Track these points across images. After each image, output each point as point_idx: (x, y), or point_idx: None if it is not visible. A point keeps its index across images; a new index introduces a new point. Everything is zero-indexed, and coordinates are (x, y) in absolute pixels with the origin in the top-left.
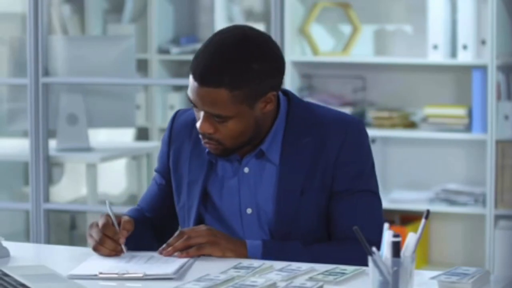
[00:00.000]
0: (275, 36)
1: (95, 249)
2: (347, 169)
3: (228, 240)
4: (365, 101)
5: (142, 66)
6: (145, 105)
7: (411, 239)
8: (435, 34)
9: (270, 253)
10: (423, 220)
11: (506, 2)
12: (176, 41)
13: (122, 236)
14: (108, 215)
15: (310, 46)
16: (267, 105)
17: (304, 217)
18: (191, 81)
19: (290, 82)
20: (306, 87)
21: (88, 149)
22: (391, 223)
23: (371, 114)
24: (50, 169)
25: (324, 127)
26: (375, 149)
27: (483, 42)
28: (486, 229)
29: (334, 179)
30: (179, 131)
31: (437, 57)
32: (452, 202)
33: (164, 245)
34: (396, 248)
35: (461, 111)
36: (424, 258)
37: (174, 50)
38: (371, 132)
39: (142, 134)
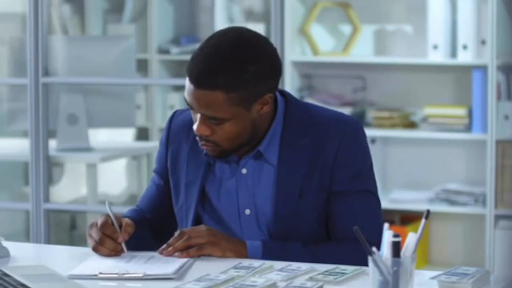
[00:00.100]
0: (275, 36)
1: (95, 249)
2: (345, 170)
3: (228, 240)
4: (365, 101)
5: (142, 66)
6: (145, 105)
7: (411, 239)
8: (435, 34)
9: (270, 253)
10: (423, 220)
11: (506, 2)
12: (176, 41)
13: (122, 236)
14: (107, 215)
15: (310, 46)
16: (263, 107)
17: (303, 217)
18: (187, 84)
19: (290, 82)
20: (306, 87)
21: (88, 149)
22: (391, 223)
23: (371, 114)
24: (50, 169)
25: (322, 128)
26: (375, 149)
27: (483, 42)
28: (486, 229)
29: (333, 179)
30: (177, 132)
31: (437, 57)
32: (452, 202)
33: (164, 245)
34: (396, 248)
35: (461, 111)
36: (424, 258)
37: (174, 50)
38: (371, 132)
39: (142, 134)
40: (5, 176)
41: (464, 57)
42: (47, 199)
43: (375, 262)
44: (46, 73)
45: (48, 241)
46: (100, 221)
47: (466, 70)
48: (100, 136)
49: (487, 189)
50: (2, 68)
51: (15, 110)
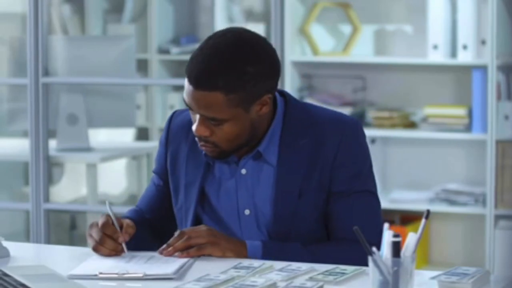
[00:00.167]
0: (275, 36)
1: (95, 249)
2: (345, 170)
3: (228, 241)
4: (365, 101)
5: (142, 66)
6: (145, 105)
7: (411, 239)
8: (435, 34)
9: (270, 253)
10: (423, 220)
11: (506, 2)
12: (176, 41)
13: (123, 236)
14: (108, 215)
15: (310, 46)
16: (262, 108)
17: (302, 218)
18: (186, 84)
19: (290, 82)
20: (306, 87)
21: (88, 149)
22: (391, 223)
23: (371, 114)
24: (50, 169)
25: (321, 128)
26: (375, 149)
27: (483, 42)
28: (486, 229)
29: (332, 179)
30: (176, 132)
31: (437, 57)
32: (452, 202)
33: (164, 245)
34: (396, 248)
35: (461, 111)
36: (424, 258)
37: (174, 50)
38: (371, 132)
39: (142, 134)
40: (5, 176)
41: (464, 57)
42: (47, 199)
43: (375, 262)
44: (46, 73)
45: (48, 241)
46: (100, 221)
47: (466, 70)
48: (100, 136)
49: (487, 189)
50: (2, 68)
51: (15, 110)
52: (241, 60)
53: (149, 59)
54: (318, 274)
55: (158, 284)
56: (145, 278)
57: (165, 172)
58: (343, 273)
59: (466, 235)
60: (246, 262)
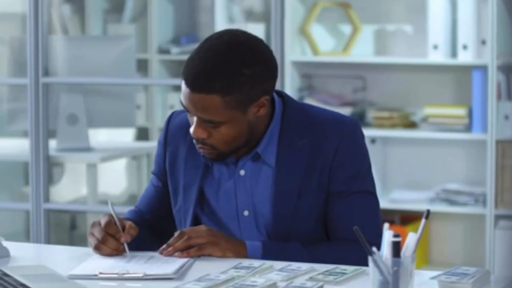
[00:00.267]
0: (275, 36)
1: (97, 248)
2: (344, 170)
3: (228, 241)
4: (365, 101)
5: (142, 66)
6: (145, 105)
7: (411, 239)
8: (435, 34)
9: (269, 253)
10: (423, 220)
11: (506, 2)
12: (176, 41)
13: (125, 236)
14: (110, 215)
15: (310, 46)
16: (260, 109)
17: (302, 218)
18: (183, 87)
19: (290, 82)
20: (306, 87)
21: (88, 149)
22: (391, 223)
23: (371, 114)
24: (50, 169)
25: (320, 128)
26: (375, 149)
27: (483, 42)
28: (486, 229)
29: (331, 180)
30: (175, 133)
31: (437, 57)
32: (452, 202)
33: (164, 245)
34: (396, 248)
35: (461, 111)
36: (424, 258)
37: (174, 50)
38: (371, 132)
39: (142, 134)
40: (5, 176)
41: (464, 57)
42: (47, 199)
43: (375, 262)
44: (46, 73)
45: (48, 241)
46: (103, 220)
47: (466, 70)
48: (100, 136)
49: (487, 189)
50: (2, 68)
51: (15, 110)
52: (238, 62)
53: (149, 59)
54: (318, 274)
55: (158, 284)
56: (145, 278)
57: (164, 173)
58: (343, 273)
59: (466, 235)
60: (246, 262)
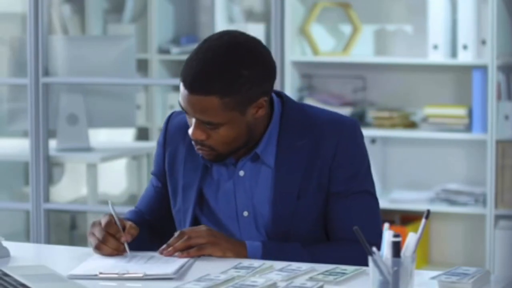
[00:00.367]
0: (275, 36)
1: (97, 247)
2: (343, 170)
3: (228, 241)
4: (365, 101)
5: (142, 66)
6: (145, 105)
7: (411, 239)
8: (435, 34)
9: (269, 253)
10: (423, 220)
11: (506, 2)
12: (176, 41)
13: (125, 236)
14: (111, 215)
15: (310, 46)
16: (258, 110)
17: (301, 218)
18: (181, 89)
19: (290, 82)
20: (306, 87)
21: (88, 149)
22: (391, 223)
23: (371, 114)
24: (50, 169)
25: (319, 129)
26: (375, 149)
27: (483, 42)
28: (486, 229)
29: (330, 180)
30: (174, 133)
31: (437, 57)
32: (452, 202)
33: (164, 245)
34: (397, 248)
35: (461, 111)
36: (425, 258)
37: (174, 50)
38: (371, 132)
39: (142, 134)
40: (5, 176)
41: (464, 57)
42: (47, 199)
43: (375, 262)
44: (46, 73)
45: (48, 241)
46: (104, 220)
47: (466, 70)
48: (100, 136)
49: (487, 189)
50: (2, 68)
51: (15, 110)
52: (236, 63)
53: (149, 59)
54: (318, 274)
55: (158, 284)
56: (145, 278)
57: (163, 174)
58: (343, 273)
59: (466, 235)
60: (246, 262)
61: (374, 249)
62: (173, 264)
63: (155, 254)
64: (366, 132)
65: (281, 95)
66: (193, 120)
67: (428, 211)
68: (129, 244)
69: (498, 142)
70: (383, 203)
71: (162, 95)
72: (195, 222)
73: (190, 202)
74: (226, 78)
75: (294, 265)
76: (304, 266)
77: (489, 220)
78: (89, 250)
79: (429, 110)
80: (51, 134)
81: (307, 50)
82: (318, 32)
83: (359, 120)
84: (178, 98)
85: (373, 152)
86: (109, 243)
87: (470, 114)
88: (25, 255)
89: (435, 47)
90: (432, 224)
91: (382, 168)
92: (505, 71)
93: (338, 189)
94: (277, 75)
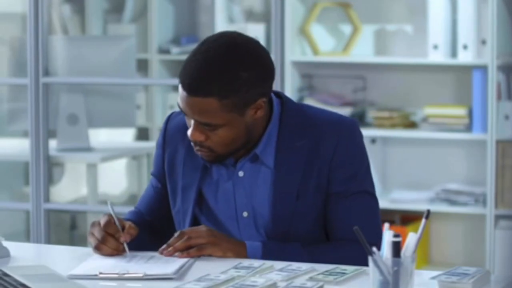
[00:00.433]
0: (275, 36)
1: (97, 248)
2: (343, 171)
3: (228, 241)
4: (365, 101)
5: (142, 66)
6: (145, 105)
7: (411, 239)
8: (435, 34)
9: (269, 253)
10: (423, 220)
11: (506, 2)
12: (176, 41)
13: (124, 236)
14: (110, 215)
15: (310, 46)
16: (257, 112)
17: (301, 219)
18: (180, 90)
19: (290, 82)
20: (306, 87)
21: (88, 149)
22: (391, 223)
23: (371, 114)
24: (51, 169)
25: (318, 129)
26: (375, 149)
27: (484, 42)
28: (487, 229)
29: (330, 180)
30: (173, 134)
31: (437, 57)
32: (452, 202)
33: (164, 245)
34: (397, 248)
35: (461, 111)
36: (425, 258)
37: (175, 50)
38: (371, 132)
39: (142, 134)
40: (5, 176)
41: (464, 57)
42: (47, 199)
43: (375, 262)
44: (46, 73)
45: (48, 241)
46: (103, 220)
47: (466, 70)
48: (100, 136)
49: (487, 189)
50: (2, 68)
51: (15, 110)
52: (235, 65)
53: (149, 59)
54: (318, 274)
55: (158, 284)
56: (145, 278)
57: (163, 175)
58: (343, 273)
59: (466, 235)
60: (246, 262)
61: (374, 249)
62: (173, 264)
63: (155, 254)
64: (366, 132)
65: (280, 96)
66: (192, 122)
67: (428, 211)
68: (129, 245)
69: (498, 142)
70: (383, 203)
71: (162, 95)
72: (195, 222)
73: (189, 202)
74: (224, 79)
75: (294, 265)
76: (304, 266)
77: (489, 220)
78: (89, 250)
79: (429, 110)
80: (51, 134)
81: (307, 50)
82: (318, 32)
83: (359, 120)
84: (177, 100)
85: (373, 152)
86: (108, 243)
87: (470, 114)
88: (25, 255)
89: (435, 47)
90: (432, 224)
91: (382, 168)
92: (505, 71)
93: (337, 189)
94: (277, 75)
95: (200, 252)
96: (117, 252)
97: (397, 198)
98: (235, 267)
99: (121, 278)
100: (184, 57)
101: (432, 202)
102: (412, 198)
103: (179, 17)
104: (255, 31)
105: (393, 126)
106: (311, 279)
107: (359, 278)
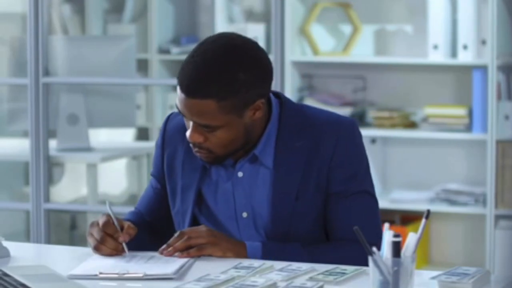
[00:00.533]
0: (275, 36)
1: (96, 248)
2: (342, 171)
3: (228, 241)
4: (365, 101)
5: (142, 66)
6: (145, 105)
7: (411, 239)
8: (436, 34)
9: (269, 253)
10: (423, 220)
11: (506, 2)
12: (176, 41)
13: (123, 236)
14: (108, 215)
15: (310, 46)
16: (256, 113)
17: (300, 219)
18: (178, 92)
19: (290, 82)
20: (307, 87)
21: (88, 149)
22: (391, 223)
23: (371, 114)
24: (51, 169)
25: (317, 129)
26: (375, 149)
27: (483, 42)
28: (487, 229)
29: (329, 180)
30: (172, 134)
31: (437, 57)
32: (452, 202)
33: (164, 245)
34: (397, 248)
35: (461, 111)
36: (425, 258)
37: (175, 50)
38: (371, 132)
39: (142, 134)
40: (5, 176)
41: (464, 57)
42: (47, 199)
43: (375, 262)
44: (46, 73)
45: (48, 241)
46: (101, 220)
47: (466, 70)
48: (100, 136)
49: (487, 189)
50: (2, 68)
51: (15, 110)
52: (233, 67)
53: (149, 59)
54: (318, 274)
55: (158, 284)
56: (145, 278)
57: (162, 175)
58: (343, 273)
59: (466, 235)
60: (246, 262)
61: (374, 249)
62: (173, 264)
63: (155, 254)
64: (366, 132)
65: (279, 96)
66: (191, 123)
67: (428, 211)
68: (129, 245)
69: (498, 142)
70: (383, 203)
71: (162, 95)
72: (194, 223)
73: (189, 203)
74: (223, 81)
75: (294, 265)
76: (304, 266)
77: (489, 220)
78: (89, 250)
79: (429, 110)
80: (51, 134)
81: (307, 50)
82: (318, 32)
83: (359, 120)
84: (175, 102)
85: (373, 152)
86: (107, 244)
87: (470, 114)
88: (25, 255)
89: (435, 47)
90: (432, 224)
91: (382, 168)
92: (505, 71)
93: (337, 189)
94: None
95: (200, 252)
96: (116, 252)
97: (397, 198)
98: (235, 267)
99: (121, 278)
100: (184, 57)
101: (432, 202)
102: (412, 198)
103: (179, 17)
104: (255, 31)
105: (393, 126)
106: (311, 279)
107: (359, 278)
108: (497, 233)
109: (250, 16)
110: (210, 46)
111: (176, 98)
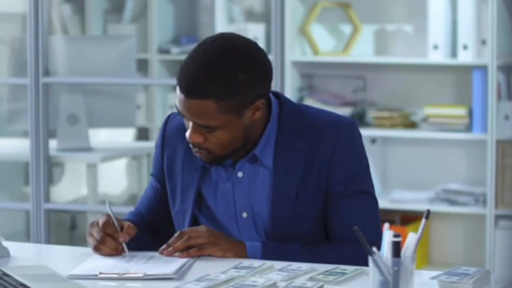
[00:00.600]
0: (275, 36)
1: (96, 248)
2: (341, 171)
3: (228, 241)
4: (366, 101)
5: (142, 66)
6: (146, 105)
7: (411, 239)
8: (436, 34)
9: (269, 253)
10: (423, 220)
11: (506, 2)
12: (176, 41)
13: (123, 236)
14: (108, 215)
15: (310, 46)
16: (255, 113)
17: (300, 219)
18: (178, 92)
19: (290, 82)
20: (306, 87)
21: (88, 149)
22: (391, 223)
23: (371, 114)
24: (51, 169)
25: (317, 129)
26: (375, 149)
27: (484, 42)
28: (487, 229)
29: (329, 180)
30: (172, 135)
31: (437, 57)
32: (452, 202)
33: (164, 245)
34: (397, 248)
35: (461, 111)
36: (425, 258)
37: (175, 50)
38: (371, 132)
39: (142, 134)
40: (5, 176)
41: (464, 57)
42: (47, 199)
43: (375, 262)
44: (47, 73)
45: (48, 241)
46: (101, 220)
47: (466, 70)
48: (100, 136)
49: (487, 189)
50: (2, 68)
51: (15, 110)
52: (232, 67)
53: (149, 59)
54: (318, 274)
55: (158, 284)
56: (145, 278)
57: (162, 176)
58: (343, 273)
59: (466, 235)
60: (246, 262)
61: (374, 249)
62: (173, 264)
63: (155, 254)
64: (366, 132)
65: (279, 96)
66: (190, 123)
67: (428, 211)
68: (129, 245)
69: (498, 142)
70: (383, 203)
71: (162, 95)
72: (194, 223)
73: (189, 203)
74: (222, 82)
75: (294, 265)
76: (304, 266)
77: (489, 220)
78: (89, 250)
79: (429, 110)
80: (51, 134)
81: (307, 50)
82: (318, 32)
83: (359, 120)
84: (175, 103)
85: (373, 152)
86: (107, 244)
87: (470, 114)
88: (25, 255)
89: (435, 47)
90: (432, 224)
91: (382, 168)
92: (505, 71)
93: (337, 189)
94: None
95: (200, 252)
96: (116, 252)
97: (397, 198)
98: (235, 267)
99: (121, 278)
100: (184, 57)
101: (432, 202)
102: (412, 198)
103: (179, 17)
104: (255, 31)
105: (393, 126)
106: (311, 279)
107: (359, 278)
108: (497, 233)
109: (250, 16)
110: (210, 46)
111: (176, 98)
